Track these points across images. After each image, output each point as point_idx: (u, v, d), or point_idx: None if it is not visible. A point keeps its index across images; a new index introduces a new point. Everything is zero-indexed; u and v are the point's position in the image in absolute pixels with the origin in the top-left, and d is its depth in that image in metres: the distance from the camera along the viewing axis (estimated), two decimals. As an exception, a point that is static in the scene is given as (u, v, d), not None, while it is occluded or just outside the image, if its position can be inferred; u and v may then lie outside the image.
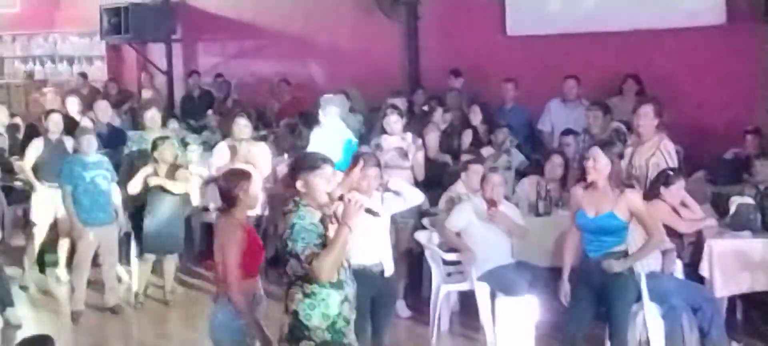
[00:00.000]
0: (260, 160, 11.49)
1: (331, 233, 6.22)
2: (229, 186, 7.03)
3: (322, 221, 6.25)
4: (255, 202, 7.27)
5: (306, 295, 6.17)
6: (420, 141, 11.41)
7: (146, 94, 18.26)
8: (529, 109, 13.81)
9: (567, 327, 8.23)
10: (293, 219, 6.14)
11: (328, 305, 6.20)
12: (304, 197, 6.24)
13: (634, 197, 7.84)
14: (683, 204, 9.50)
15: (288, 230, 6.11)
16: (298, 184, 6.26)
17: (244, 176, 7.16)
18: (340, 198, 6.31)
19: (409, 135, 11.31)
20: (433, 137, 11.75)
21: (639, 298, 8.60)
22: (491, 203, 9.77)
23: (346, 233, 6.14)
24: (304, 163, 6.37)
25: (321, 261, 6.03)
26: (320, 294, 6.17)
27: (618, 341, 8.02)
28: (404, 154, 11.02)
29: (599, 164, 7.79)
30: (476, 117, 12.79)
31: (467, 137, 12.59)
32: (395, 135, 11.25)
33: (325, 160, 6.42)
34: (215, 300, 7.10)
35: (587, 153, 8.00)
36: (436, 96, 14.08)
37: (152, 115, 12.16)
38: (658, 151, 9.74)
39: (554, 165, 10.92)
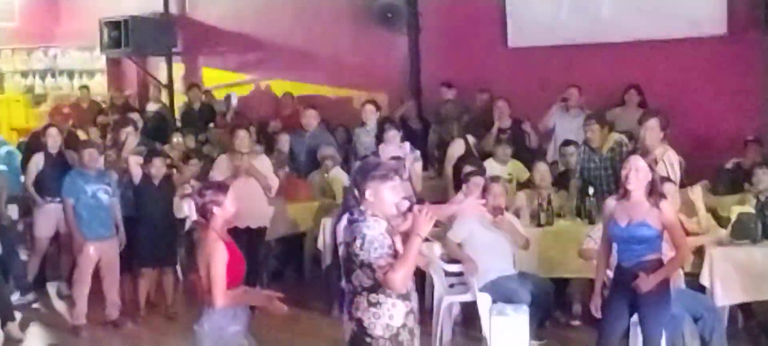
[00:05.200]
0: (262, 172, 11.48)
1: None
2: (202, 200, 6.97)
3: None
4: (231, 215, 7.01)
5: (371, 304, 6.10)
6: (417, 152, 11.43)
7: (152, 107, 18.30)
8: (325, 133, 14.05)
9: (600, 338, 8.10)
10: (363, 229, 6.03)
11: (393, 315, 6.14)
12: (369, 207, 6.14)
13: (667, 209, 7.75)
14: (687, 213, 9.45)
15: (358, 239, 6.01)
16: (368, 192, 6.13)
17: (218, 189, 7.04)
18: (410, 209, 6.19)
19: (407, 144, 11.31)
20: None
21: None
22: (497, 211, 9.76)
23: (419, 243, 6.05)
24: (376, 172, 6.22)
25: (396, 272, 5.95)
26: (386, 304, 6.11)
27: None
28: (402, 165, 10.97)
29: (641, 174, 7.71)
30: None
31: (459, 149, 12.55)
32: (392, 145, 11.23)
33: (397, 171, 6.35)
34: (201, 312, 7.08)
35: (626, 163, 7.88)
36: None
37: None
38: (660, 162, 9.75)
39: (540, 173, 10.96)
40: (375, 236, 6.03)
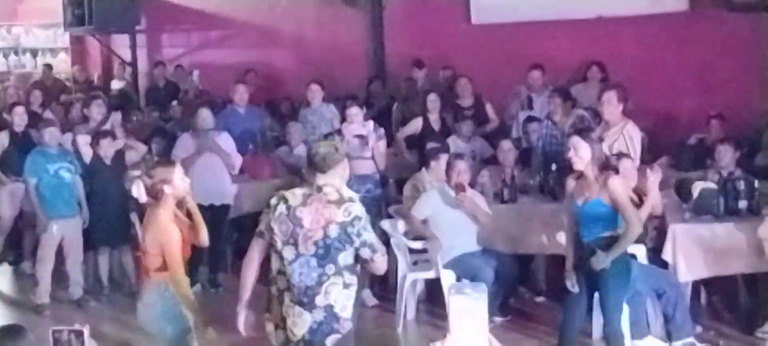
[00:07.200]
0: (225, 150, 11.43)
1: None
2: (151, 181, 6.98)
3: None
4: (183, 192, 7.08)
5: (346, 286, 6.10)
6: (381, 130, 11.40)
7: (117, 84, 18.25)
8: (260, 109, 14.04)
9: (564, 315, 8.17)
10: (360, 210, 6.06)
11: (357, 295, 6.19)
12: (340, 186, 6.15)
13: (615, 185, 7.76)
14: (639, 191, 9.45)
15: (362, 219, 6.02)
16: (347, 173, 6.17)
17: (166, 167, 7.10)
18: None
19: (370, 123, 11.27)
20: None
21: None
22: (459, 188, 9.77)
23: None
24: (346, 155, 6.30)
25: (384, 254, 6.10)
26: (355, 285, 6.14)
27: (610, 327, 7.87)
28: (365, 143, 10.95)
29: (581, 152, 7.74)
30: (434, 106, 12.69)
31: (415, 126, 12.60)
32: (356, 123, 11.19)
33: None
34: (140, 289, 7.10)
35: (567, 143, 7.93)
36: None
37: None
38: (621, 137, 9.76)
39: (504, 151, 10.98)
40: (368, 218, 6.09)
